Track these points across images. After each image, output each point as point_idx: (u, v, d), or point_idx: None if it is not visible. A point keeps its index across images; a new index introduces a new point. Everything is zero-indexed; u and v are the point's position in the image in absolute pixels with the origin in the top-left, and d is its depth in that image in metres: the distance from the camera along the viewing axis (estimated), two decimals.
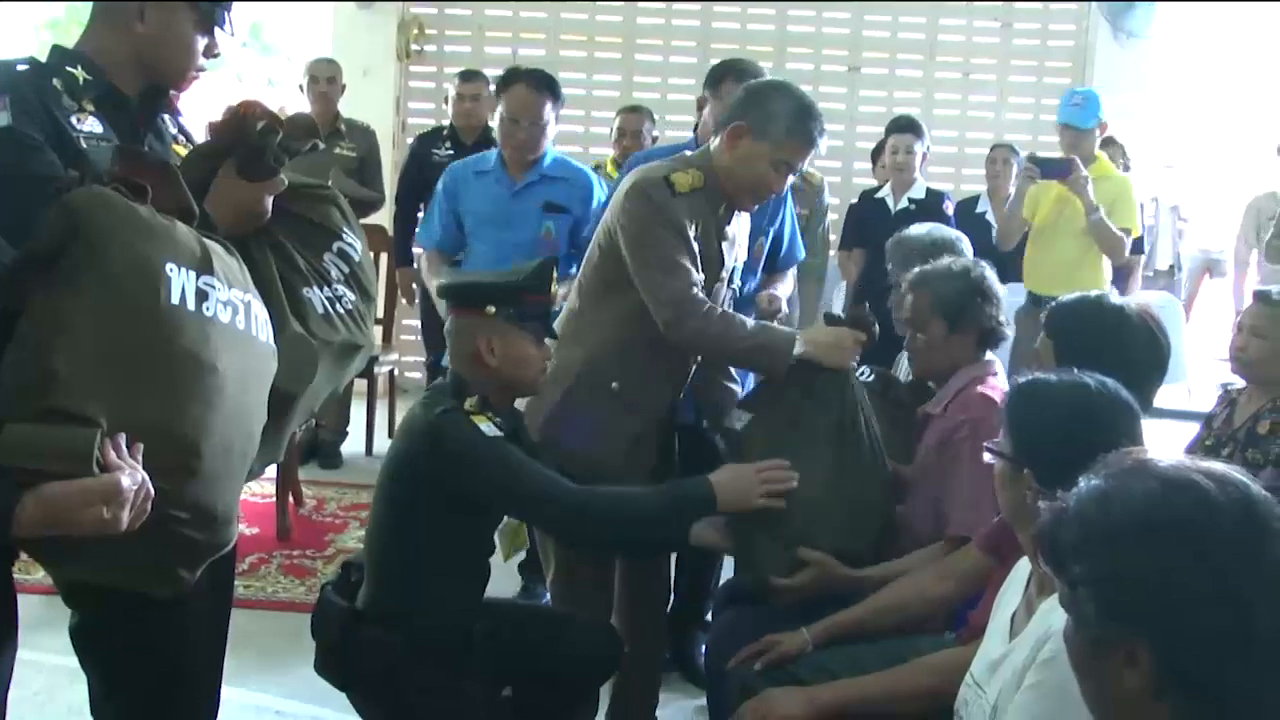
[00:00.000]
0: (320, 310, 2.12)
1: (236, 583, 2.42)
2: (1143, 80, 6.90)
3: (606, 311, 2.85)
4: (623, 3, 7.08)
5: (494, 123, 4.32)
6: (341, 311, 2.16)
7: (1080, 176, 4.80)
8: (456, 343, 2.52)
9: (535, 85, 4.03)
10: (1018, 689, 1.77)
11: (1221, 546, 1.18)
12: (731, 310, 2.88)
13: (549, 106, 4.05)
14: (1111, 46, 6.87)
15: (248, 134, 2.04)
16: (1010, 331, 2.89)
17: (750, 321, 2.82)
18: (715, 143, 2.85)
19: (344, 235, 2.20)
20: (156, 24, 2.05)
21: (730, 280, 3.01)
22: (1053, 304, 2.64)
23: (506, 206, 4.10)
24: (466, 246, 4.23)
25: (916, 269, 2.90)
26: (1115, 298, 2.64)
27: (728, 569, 3.66)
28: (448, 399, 2.45)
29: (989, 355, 2.83)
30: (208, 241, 1.76)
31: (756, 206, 2.99)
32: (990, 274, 2.81)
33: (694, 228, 2.77)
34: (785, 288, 3.77)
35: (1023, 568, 2.03)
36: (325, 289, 2.15)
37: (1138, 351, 2.38)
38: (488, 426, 2.40)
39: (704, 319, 2.71)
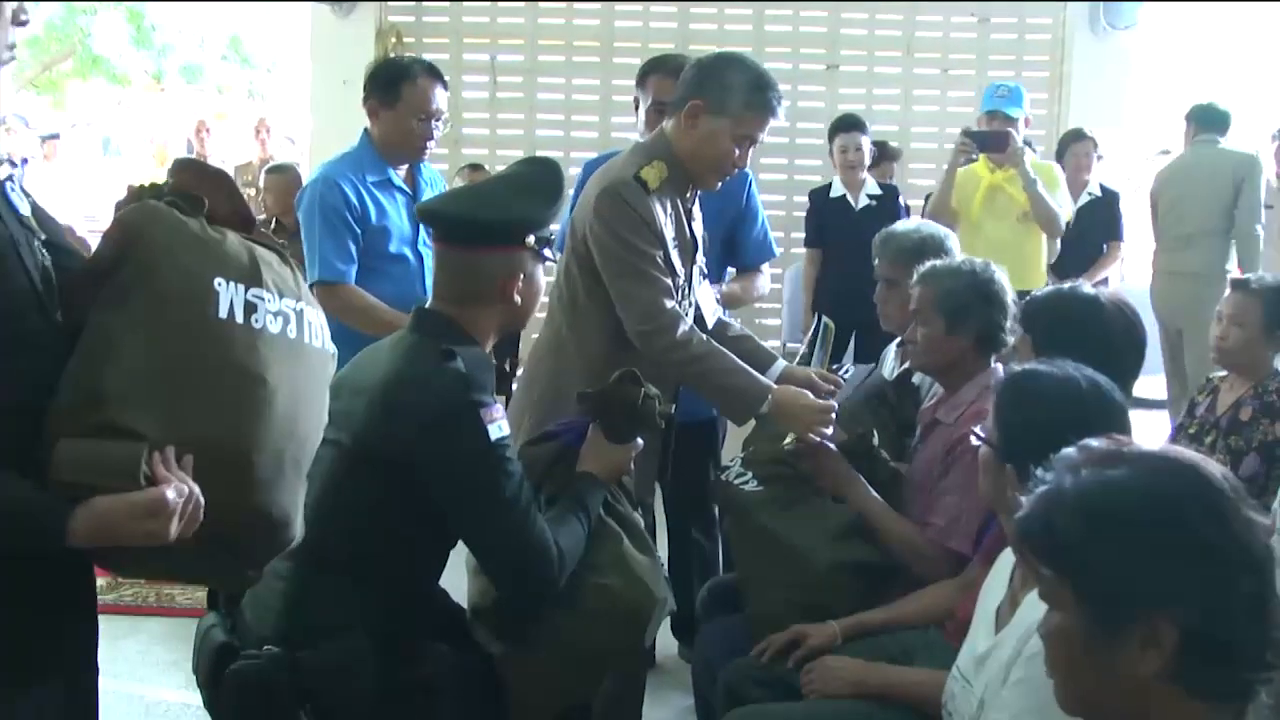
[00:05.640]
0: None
1: None
2: (1124, 71, 6.90)
3: (592, 328, 2.77)
4: (600, 4, 7.07)
5: None
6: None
7: (1017, 148, 4.75)
8: (474, 282, 2.20)
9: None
10: (1004, 683, 1.77)
11: (1234, 513, 1.21)
12: (701, 289, 2.86)
13: None
14: (1090, 39, 6.87)
15: (624, 401, 2.31)
16: (1011, 338, 2.74)
17: (731, 359, 2.72)
18: (670, 125, 2.78)
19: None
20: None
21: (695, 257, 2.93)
22: (1025, 299, 2.62)
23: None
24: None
25: (929, 263, 2.83)
26: (1087, 288, 2.63)
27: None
28: (443, 364, 2.09)
29: (998, 364, 2.72)
30: (259, 251, 1.77)
31: (720, 185, 2.88)
32: (1001, 278, 2.71)
33: (669, 221, 2.72)
34: (760, 284, 3.70)
35: (1006, 560, 2.02)
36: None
37: (1115, 340, 2.38)
38: (496, 428, 2.09)
39: (678, 342, 2.66)
